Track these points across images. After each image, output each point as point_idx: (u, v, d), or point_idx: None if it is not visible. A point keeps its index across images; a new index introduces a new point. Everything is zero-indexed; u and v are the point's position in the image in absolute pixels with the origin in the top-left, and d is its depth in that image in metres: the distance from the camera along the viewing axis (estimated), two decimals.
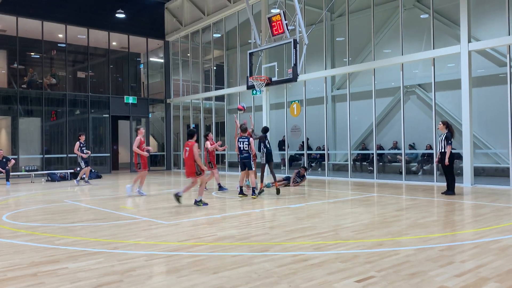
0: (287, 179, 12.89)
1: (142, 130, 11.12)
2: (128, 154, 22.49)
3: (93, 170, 17.92)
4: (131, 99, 21.74)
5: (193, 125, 22.74)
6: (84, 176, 14.81)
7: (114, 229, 6.40)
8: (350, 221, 6.78)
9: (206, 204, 8.74)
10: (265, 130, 11.55)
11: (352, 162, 15.73)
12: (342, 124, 17.05)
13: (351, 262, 4.36)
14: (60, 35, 20.37)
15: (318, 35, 16.22)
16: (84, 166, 14.55)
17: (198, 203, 8.67)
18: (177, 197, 8.84)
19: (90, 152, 15.52)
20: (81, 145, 14.49)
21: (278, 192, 10.42)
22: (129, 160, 22.22)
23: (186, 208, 8.65)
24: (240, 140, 10.12)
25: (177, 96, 23.32)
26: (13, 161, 15.77)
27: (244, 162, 10.06)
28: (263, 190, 10.83)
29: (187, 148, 8.71)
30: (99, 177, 17.77)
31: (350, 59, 15.42)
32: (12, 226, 6.79)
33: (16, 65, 19.74)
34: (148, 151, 11.19)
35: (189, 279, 3.91)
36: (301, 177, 12.91)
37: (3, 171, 15.11)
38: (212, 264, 4.38)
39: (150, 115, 23.48)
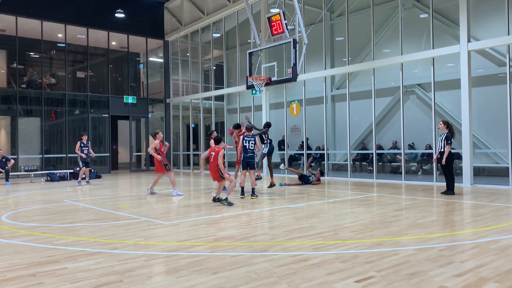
0: (302, 178, 13.07)
1: (161, 134, 11.20)
2: (127, 154, 22.50)
3: (92, 170, 17.91)
4: (130, 99, 21.73)
5: (193, 125, 22.74)
6: (84, 176, 14.81)
7: (113, 229, 6.40)
8: (349, 221, 6.78)
9: (231, 204, 8.73)
10: (268, 125, 12.22)
11: (351, 162, 15.73)
12: (341, 124, 17.05)
13: (351, 262, 4.36)
14: (60, 35, 20.37)
15: (318, 34, 16.22)
16: (82, 166, 14.54)
17: (222, 201, 8.74)
18: (224, 200, 8.80)
19: (93, 153, 15.22)
20: (82, 145, 14.49)
21: (271, 186, 11.11)
22: (129, 160, 22.25)
23: (185, 208, 8.65)
24: (246, 139, 10.08)
25: (176, 96, 23.31)
26: (12, 161, 15.76)
27: (248, 162, 10.04)
28: (260, 178, 11.34)
29: (213, 153, 8.97)
30: (99, 177, 17.76)
31: (349, 58, 15.42)
32: (12, 226, 6.78)
33: (15, 65, 19.72)
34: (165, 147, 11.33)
35: (189, 279, 3.90)
36: (317, 180, 13.24)
37: (3, 171, 15.11)
38: (211, 264, 4.38)
39: (149, 115, 23.47)
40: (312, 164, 17.99)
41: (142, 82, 23.70)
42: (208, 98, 21.52)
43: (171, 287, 3.73)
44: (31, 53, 20.94)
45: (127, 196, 11.18)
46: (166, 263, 4.51)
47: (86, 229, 6.48)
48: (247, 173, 10.19)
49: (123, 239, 5.66)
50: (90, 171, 15.51)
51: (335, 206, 8.53)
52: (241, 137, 10.29)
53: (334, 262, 4.39)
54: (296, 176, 13.50)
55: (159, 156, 10.87)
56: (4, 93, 19.32)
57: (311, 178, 13.14)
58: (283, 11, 12.01)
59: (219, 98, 21.04)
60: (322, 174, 13.78)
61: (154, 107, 24.91)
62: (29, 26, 19.15)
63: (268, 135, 11.86)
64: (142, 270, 4.23)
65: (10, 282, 3.91)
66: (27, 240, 5.72)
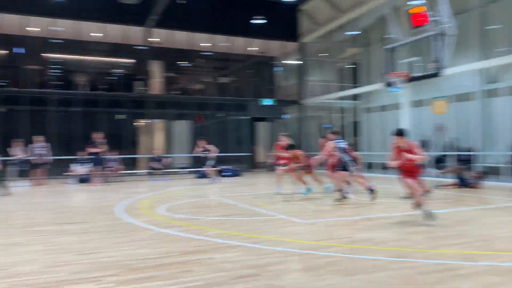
0: (459, 178, 12.09)
1: (284, 138, 11.46)
2: (265, 153, 23.50)
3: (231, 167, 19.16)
4: (268, 101, 22.62)
5: (328, 126, 22.63)
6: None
7: (253, 224, 6.74)
8: (506, 231, 6.02)
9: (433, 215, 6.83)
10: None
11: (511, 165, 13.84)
12: (496, 122, 15.18)
13: (508, 277, 3.87)
14: (204, 44, 22.25)
15: (466, 23, 14.72)
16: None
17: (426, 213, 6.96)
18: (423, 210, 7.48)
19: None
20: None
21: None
22: (266, 160, 23.23)
23: (321, 208, 8.67)
24: (340, 141, 9.62)
25: (311, 97, 23.48)
26: (168, 160, 17.85)
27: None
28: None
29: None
30: (239, 175, 18.85)
31: (506, 49, 13.60)
32: (167, 217, 7.63)
33: (170, 74, 22.17)
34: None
35: (324, 279, 3.91)
36: (477, 179, 12.05)
37: (161, 168, 17.21)
38: (348, 266, 4.32)
39: (286, 116, 24.09)
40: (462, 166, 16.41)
41: (278, 85, 24.46)
42: (343, 98, 21.20)
43: (307, 284, 3.78)
44: (181, 63, 23.32)
45: (264, 194, 11.64)
46: (302, 261, 4.59)
47: (229, 223, 6.95)
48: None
49: (262, 234, 5.93)
50: (219, 171, 16.28)
51: (488, 214, 7.65)
52: (333, 141, 9.58)
53: (485, 274, 3.95)
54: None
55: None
56: (160, 99, 21.89)
57: (469, 180, 11.94)
58: (426, 1, 11.23)
59: (355, 97, 20.58)
60: (482, 176, 12.37)
61: (289, 109, 25.49)
62: (179, 38, 21.31)
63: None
64: (279, 266, 4.37)
65: (165, 268, 4.40)
66: (180, 230, 6.36)
